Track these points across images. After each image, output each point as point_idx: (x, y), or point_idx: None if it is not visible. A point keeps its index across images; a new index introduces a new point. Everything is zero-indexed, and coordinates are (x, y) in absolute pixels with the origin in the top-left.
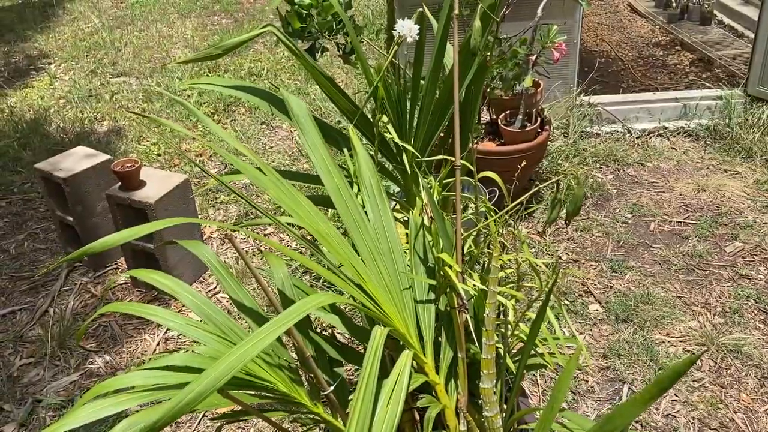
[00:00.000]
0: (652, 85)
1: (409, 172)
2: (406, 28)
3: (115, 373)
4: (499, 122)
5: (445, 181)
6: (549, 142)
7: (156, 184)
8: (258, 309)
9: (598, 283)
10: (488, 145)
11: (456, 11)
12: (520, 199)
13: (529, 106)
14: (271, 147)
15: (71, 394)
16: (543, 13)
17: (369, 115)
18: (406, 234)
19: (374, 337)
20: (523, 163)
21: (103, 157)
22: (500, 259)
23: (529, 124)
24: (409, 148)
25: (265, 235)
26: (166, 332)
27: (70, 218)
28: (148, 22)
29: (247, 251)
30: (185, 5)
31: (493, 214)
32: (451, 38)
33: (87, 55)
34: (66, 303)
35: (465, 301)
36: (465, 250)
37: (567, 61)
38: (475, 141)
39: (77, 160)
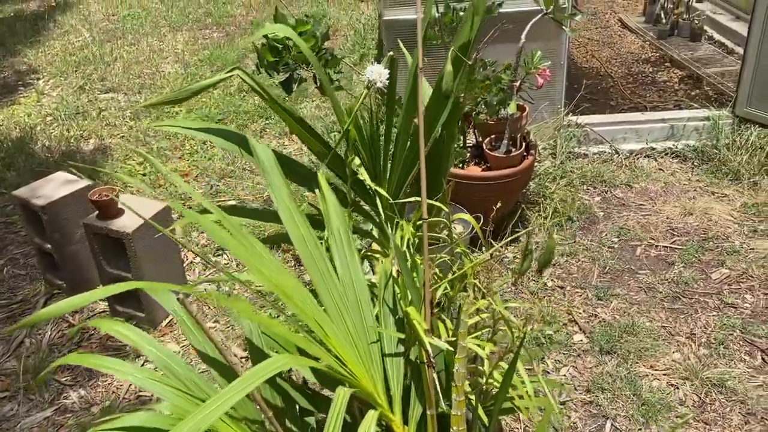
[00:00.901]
0: (640, 103)
1: (382, 216)
2: (375, 74)
3: (90, 409)
4: (484, 147)
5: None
6: (537, 164)
7: (134, 213)
8: (222, 359)
9: (583, 311)
10: (473, 170)
11: (421, 65)
12: (497, 246)
13: (514, 130)
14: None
15: (45, 430)
16: (527, 39)
17: (343, 155)
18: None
19: (336, 400)
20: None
21: (83, 183)
22: (475, 305)
23: (514, 149)
24: (382, 191)
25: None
26: (144, 363)
27: (49, 246)
28: (139, 35)
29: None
30: (177, 18)
31: (469, 256)
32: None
33: (76, 70)
34: (43, 333)
35: (432, 358)
36: (440, 292)
37: (554, 82)
38: (460, 165)
39: (56, 187)
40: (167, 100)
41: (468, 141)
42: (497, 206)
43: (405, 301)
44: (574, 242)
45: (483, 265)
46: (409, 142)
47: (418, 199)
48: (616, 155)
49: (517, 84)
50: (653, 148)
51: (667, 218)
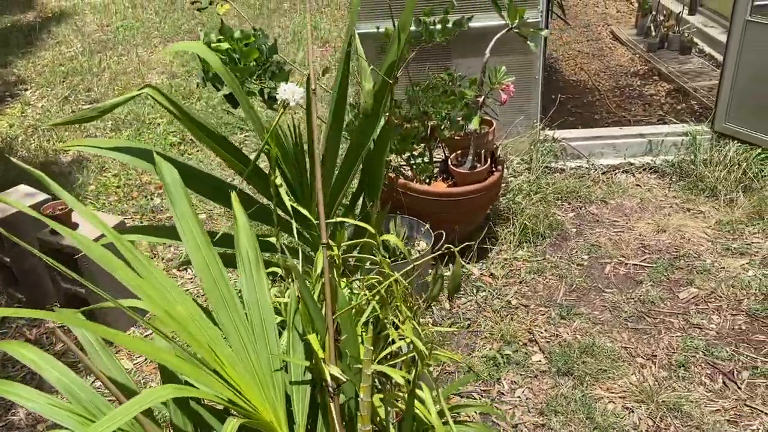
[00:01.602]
0: (625, 117)
1: (309, 238)
2: (289, 92)
3: (36, 426)
4: (449, 162)
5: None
6: (512, 178)
7: (89, 227)
8: (131, 384)
9: (545, 330)
10: (439, 186)
11: (313, 86)
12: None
13: (480, 146)
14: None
15: None
16: (497, 53)
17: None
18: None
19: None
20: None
21: (43, 196)
22: (373, 331)
23: (479, 165)
24: (303, 211)
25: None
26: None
27: (7, 259)
28: (130, 46)
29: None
30: (169, 29)
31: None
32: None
33: (63, 81)
34: None
35: (333, 389)
36: (367, 314)
37: (530, 95)
38: (427, 181)
39: (16, 200)
40: (74, 119)
41: (437, 156)
42: (462, 222)
43: (308, 327)
44: (543, 259)
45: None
46: (339, 161)
47: (345, 220)
48: (593, 170)
49: (481, 99)
50: (631, 164)
51: (640, 235)
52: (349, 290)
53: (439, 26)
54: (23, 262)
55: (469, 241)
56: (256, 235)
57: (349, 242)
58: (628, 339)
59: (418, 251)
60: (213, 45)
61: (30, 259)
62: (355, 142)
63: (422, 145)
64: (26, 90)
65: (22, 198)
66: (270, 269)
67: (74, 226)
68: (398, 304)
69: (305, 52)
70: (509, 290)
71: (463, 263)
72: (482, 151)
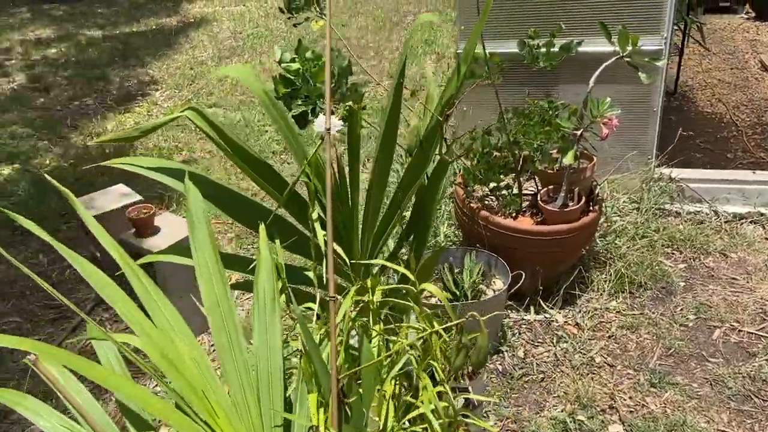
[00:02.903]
0: (763, 159)
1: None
2: (323, 124)
3: None
4: (539, 198)
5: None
6: (618, 219)
7: (170, 231)
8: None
9: (630, 398)
10: (524, 222)
11: (328, 125)
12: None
13: (574, 183)
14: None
15: None
16: (597, 82)
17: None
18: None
19: None
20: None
21: (136, 197)
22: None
23: (572, 203)
24: (339, 249)
25: None
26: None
27: (98, 254)
28: (255, 54)
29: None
30: (295, 39)
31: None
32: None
33: (191, 84)
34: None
35: None
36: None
37: (645, 129)
38: (512, 215)
39: (112, 199)
40: (119, 137)
41: (530, 189)
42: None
43: (311, 386)
44: (640, 314)
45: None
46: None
47: (383, 262)
48: (715, 218)
49: (579, 133)
50: (762, 214)
51: (761, 299)
52: (382, 342)
53: (543, 50)
54: (112, 258)
55: (555, 284)
56: (286, 265)
57: (385, 287)
58: (728, 421)
59: (493, 291)
60: (283, 65)
61: None
62: (404, 179)
63: (511, 176)
64: (156, 90)
65: (117, 198)
66: (305, 305)
67: (156, 230)
68: (434, 363)
69: (418, 67)
70: (594, 345)
71: (546, 307)
72: (577, 188)
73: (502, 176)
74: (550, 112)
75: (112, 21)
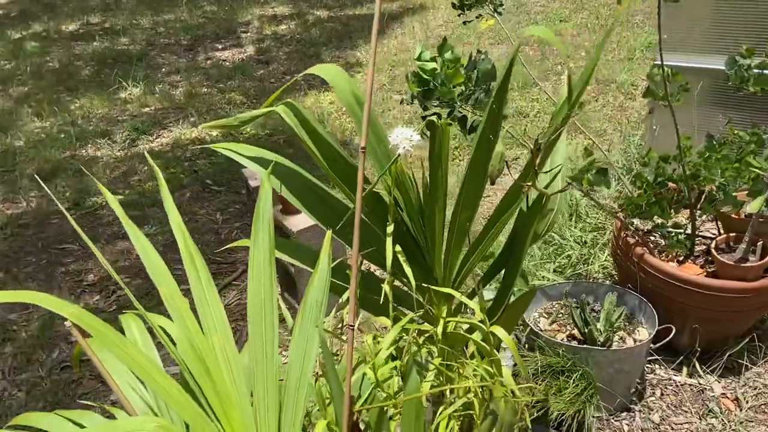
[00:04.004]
0: None
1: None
2: (399, 138)
3: None
4: (715, 245)
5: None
6: None
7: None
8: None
9: None
10: (689, 270)
11: (363, 144)
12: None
13: (761, 234)
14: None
15: None
16: None
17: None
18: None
19: None
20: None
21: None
22: None
23: (752, 258)
24: (407, 270)
25: None
26: None
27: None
28: (460, 43)
29: None
30: (500, 36)
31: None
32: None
33: (390, 69)
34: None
35: None
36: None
37: None
38: (678, 259)
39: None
40: (220, 124)
41: (709, 231)
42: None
43: (323, 412)
44: None
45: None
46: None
47: (449, 291)
48: None
49: None
50: None
51: None
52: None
53: (756, 71)
54: None
55: (721, 347)
56: (366, 272)
57: (454, 319)
58: None
59: (634, 340)
60: (419, 63)
61: None
62: (500, 205)
63: (684, 214)
64: (359, 72)
65: None
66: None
67: (296, 211)
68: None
69: (629, 75)
70: (752, 429)
71: (702, 372)
72: (761, 242)
73: (672, 212)
74: (749, 147)
75: (340, 3)
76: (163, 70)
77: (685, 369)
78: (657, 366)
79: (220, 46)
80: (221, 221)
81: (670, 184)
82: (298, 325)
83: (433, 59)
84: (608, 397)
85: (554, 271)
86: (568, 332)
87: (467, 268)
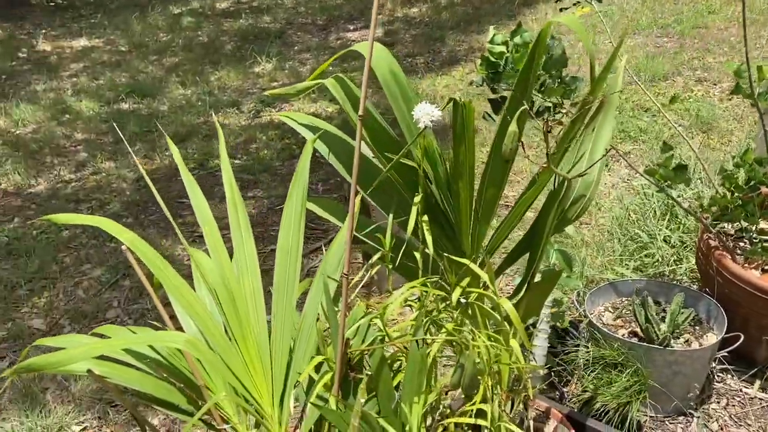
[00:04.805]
0: None
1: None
2: (421, 113)
3: None
4: None
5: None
6: None
7: None
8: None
9: None
10: (749, 273)
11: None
12: None
13: None
14: None
15: None
16: None
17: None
18: None
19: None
20: None
21: None
22: None
23: None
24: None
25: None
26: None
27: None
28: (589, 30)
29: None
30: (643, 21)
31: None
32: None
33: None
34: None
35: None
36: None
37: None
38: (763, 267)
39: None
40: (282, 92)
41: None
42: None
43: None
44: None
45: None
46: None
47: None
48: None
49: None
50: None
51: None
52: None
53: None
54: None
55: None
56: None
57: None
58: None
59: (701, 345)
60: (488, 46)
61: None
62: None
63: None
64: (478, 59)
65: None
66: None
67: None
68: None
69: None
70: None
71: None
72: None
73: (759, 218)
74: None
75: None
76: (296, 48)
77: (758, 382)
78: (728, 375)
79: (351, 27)
80: (321, 191)
81: (762, 188)
82: (319, 273)
83: (504, 43)
84: (664, 399)
85: (634, 268)
86: (630, 329)
87: (491, 243)
